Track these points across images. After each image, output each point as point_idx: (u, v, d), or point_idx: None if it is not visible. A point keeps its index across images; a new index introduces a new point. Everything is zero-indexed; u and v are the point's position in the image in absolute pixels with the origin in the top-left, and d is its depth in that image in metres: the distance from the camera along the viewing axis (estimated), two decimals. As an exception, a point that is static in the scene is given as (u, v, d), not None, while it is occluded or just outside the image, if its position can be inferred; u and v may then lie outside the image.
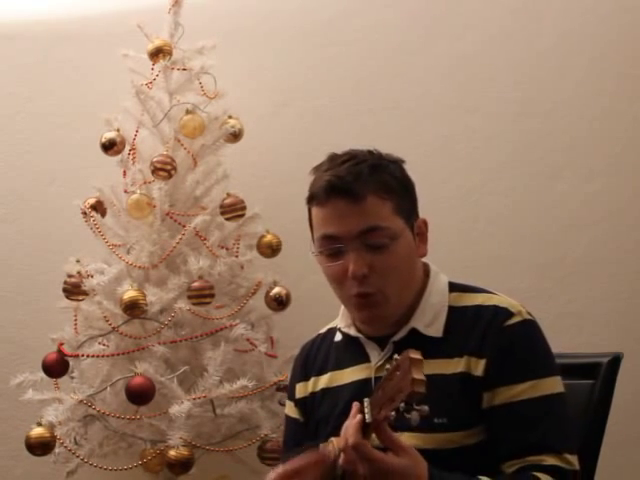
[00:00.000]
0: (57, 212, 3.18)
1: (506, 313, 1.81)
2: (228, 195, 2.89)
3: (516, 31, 3.14)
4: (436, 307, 1.86)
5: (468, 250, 3.08)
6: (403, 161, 1.90)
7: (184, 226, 2.84)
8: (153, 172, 2.83)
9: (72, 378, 2.82)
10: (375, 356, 1.88)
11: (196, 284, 2.75)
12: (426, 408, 1.52)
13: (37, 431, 2.71)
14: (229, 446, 2.82)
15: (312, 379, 1.98)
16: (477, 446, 1.76)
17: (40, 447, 2.72)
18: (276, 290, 2.92)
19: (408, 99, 3.16)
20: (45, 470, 2.97)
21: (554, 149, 3.09)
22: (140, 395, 2.67)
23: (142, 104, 2.90)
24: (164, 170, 2.82)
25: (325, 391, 1.95)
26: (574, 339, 2.93)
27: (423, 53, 3.18)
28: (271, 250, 2.96)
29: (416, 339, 1.80)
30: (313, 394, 1.97)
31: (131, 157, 2.95)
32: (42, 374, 2.82)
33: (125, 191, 2.92)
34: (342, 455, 1.65)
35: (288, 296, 2.93)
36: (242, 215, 2.89)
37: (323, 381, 1.95)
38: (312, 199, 1.86)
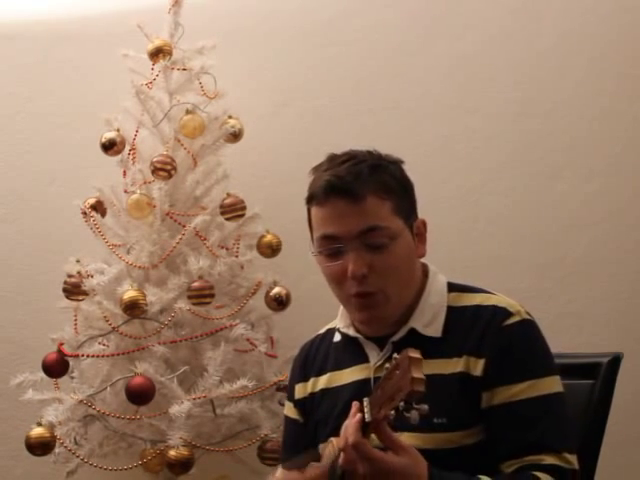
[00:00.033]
0: (57, 212, 3.18)
1: (505, 313, 1.81)
2: (228, 195, 2.89)
3: (516, 31, 3.14)
4: (435, 307, 1.86)
5: (468, 250, 3.08)
6: (402, 162, 1.90)
7: (184, 226, 2.84)
8: (153, 172, 2.83)
9: (72, 378, 2.82)
10: (374, 356, 1.87)
11: (196, 284, 2.76)
12: (426, 407, 1.52)
13: (37, 431, 2.72)
14: (229, 446, 2.82)
15: (311, 380, 1.98)
16: (476, 446, 1.75)
17: (40, 447, 2.72)
18: (276, 290, 2.92)
19: (408, 99, 3.16)
20: (45, 470, 2.97)
21: (554, 149, 3.09)
22: (140, 395, 2.67)
23: (142, 104, 2.90)
24: (164, 170, 2.83)
25: (324, 391, 1.94)
26: (574, 339, 2.93)
27: (423, 53, 3.18)
28: (271, 250, 2.96)
29: (415, 339, 1.80)
30: (312, 395, 1.97)
31: (131, 157, 2.95)
32: (42, 374, 2.82)
33: (125, 191, 2.93)
34: (342, 454, 1.64)
35: (288, 296, 2.93)
36: (242, 215, 2.90)
37: (322, 381, 1.95)
38: (312, 199, 1.85)
